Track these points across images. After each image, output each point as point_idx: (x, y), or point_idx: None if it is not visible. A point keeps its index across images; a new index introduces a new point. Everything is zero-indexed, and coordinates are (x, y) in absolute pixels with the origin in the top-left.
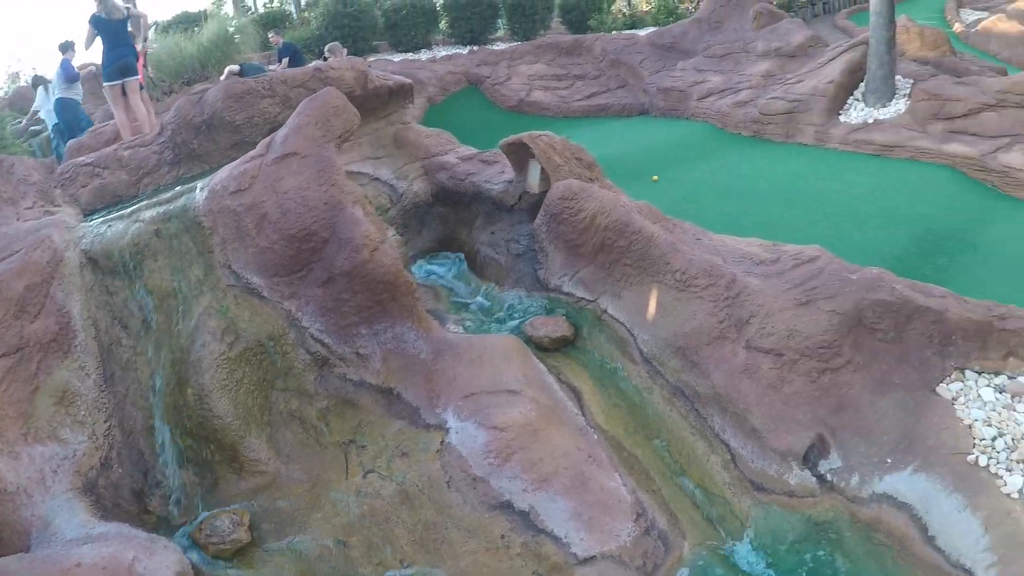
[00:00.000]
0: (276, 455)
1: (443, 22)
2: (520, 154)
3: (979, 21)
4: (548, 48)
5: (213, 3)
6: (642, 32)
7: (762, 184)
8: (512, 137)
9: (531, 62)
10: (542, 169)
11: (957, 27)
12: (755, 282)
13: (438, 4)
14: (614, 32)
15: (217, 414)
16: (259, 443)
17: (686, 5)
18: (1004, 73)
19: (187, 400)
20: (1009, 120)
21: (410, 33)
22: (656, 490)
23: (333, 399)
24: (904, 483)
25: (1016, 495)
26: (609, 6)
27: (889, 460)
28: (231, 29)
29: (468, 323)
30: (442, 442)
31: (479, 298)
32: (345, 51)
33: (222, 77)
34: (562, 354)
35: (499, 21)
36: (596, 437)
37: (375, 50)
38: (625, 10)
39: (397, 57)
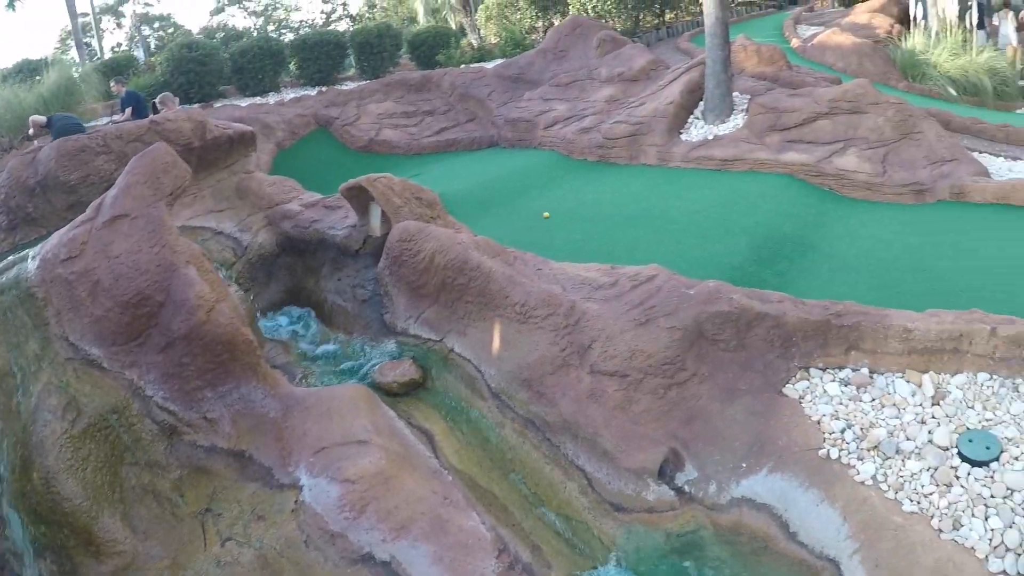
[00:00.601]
0: (132, 533)
1: (291, 64)
2: (361, 198)
3: (815, 35)
4: (397, 85)
5: (56, 48)
6: (490, 65)
7: (607, 208)
8: (351, 181)
9: (380, 100)
10: (383, 212)
11: (795, 42)
12: (594, 307)
13: (285, 46)
14: (463, 66)
15: (66, 496)
16: (113, 522)
17: (533, 36)
18: (838, 82)
19: (34, 484)
20: (842, 126)
21: (257, 76)
22: (516, 524)
23: (186, 468)
24: (761, 485)
25: (870, 481)
26: (457, 41)
27: (744, 464)
28: (76, 76)
29: (318, 375)
30: (297, 501)
31: (328, 348)
32: (177, 100)
33: (30, 131)
34: (412, 398)
35: (348, 60)
36: (451, 478)
37: (222, 95)
38: (475, 42)
39: (244, 102)
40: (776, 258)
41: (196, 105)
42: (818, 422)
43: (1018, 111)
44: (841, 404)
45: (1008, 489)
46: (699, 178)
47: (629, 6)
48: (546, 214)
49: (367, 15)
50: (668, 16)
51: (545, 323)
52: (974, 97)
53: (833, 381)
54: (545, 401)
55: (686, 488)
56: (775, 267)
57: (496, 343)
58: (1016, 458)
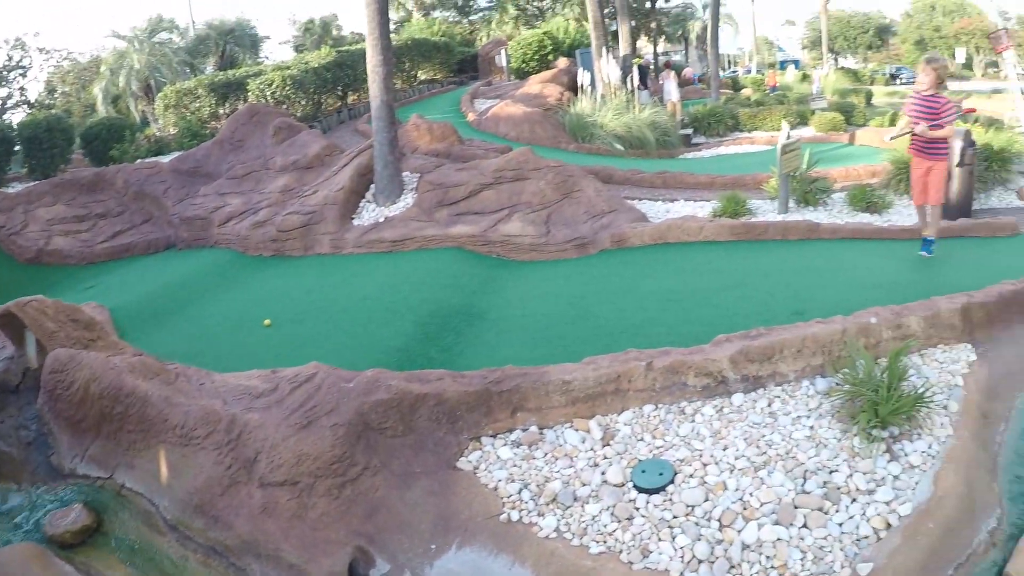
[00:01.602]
0: None
1: None
2: (15, 325)
3: (490, 108)
4: (68, 186)
5: None
6: (166, 158)
7: (278, 305)
8: (1, 307)
9: (50, 204)
10: (38, 340)
11: (471, 116)
12: (256, 417)
13: None
14: (138, 161)
15: None
16: None
17: (214, 124)
18: (509, 151)
19: None
20: (506, 194)
21: None
22: None
23: None
24: (454, 562)
25: (554, 534)
26: (134, 133)
27: (433, 546)
28: None
29: None
30: None
31: None
32: None
33: None
34: (89, 546)
35: (15, 158)
36: None
37: None
38: (157, 132)
39: None
40: (443, 332)
41: None
42: (495, 488)
43: (679, 157)
44: (515, 466)
45: (687, 507)
46: (371, 262)
47: (310, 90)
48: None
49: (47, 101)
50: (351, 98)
51: (207, 442)
52: (640, 150)
53: (505, 445)
54: (221, 525)
55: None
56: (442, 342)
57: (164, 471)
58: (690, 476)
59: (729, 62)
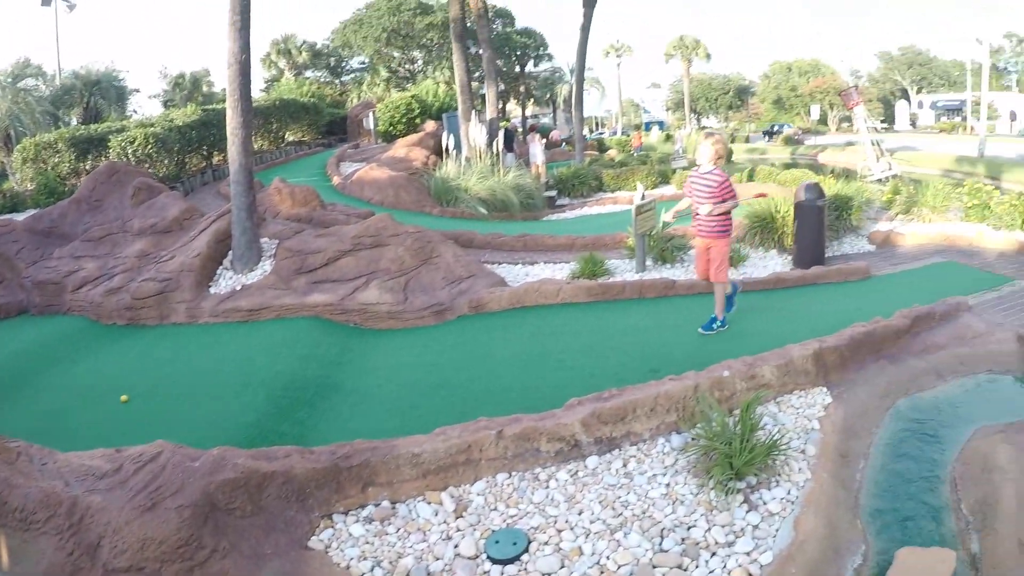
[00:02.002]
0: None
1: None
2: None
3: (355, 172)
4: None
5: None
6: (21, 216)
7: (130, 378)
8: None
9: None
10: None
11: (336, 180)
12: (98, 499)
13: None
14: None
15: None
16: None
17: (74, 181)
18: (372, 216)
19: None
20: (364, 261)
21: None
22: None
23: None
24: None
25: None
26: None
27: None
28: None
29: None
30: None
31: None
32: None
33: None
34: None
35: None
36: None
37: None
38: (14, 186)
39: None
40: (296, 406)
41: None
42: (347, 568)
43: (543, 219)
44: (367, 543)
45: (542, 574)
46: (226, 332)
47: (174, 149)
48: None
49: None
50: (216, 158)
51: (48, 527)
52: (504, 212)
53: (357, 522)
54: None
55: None
56: (294, 416)
57: (4, 558)
58: (545, 543)
59: (597, 124)
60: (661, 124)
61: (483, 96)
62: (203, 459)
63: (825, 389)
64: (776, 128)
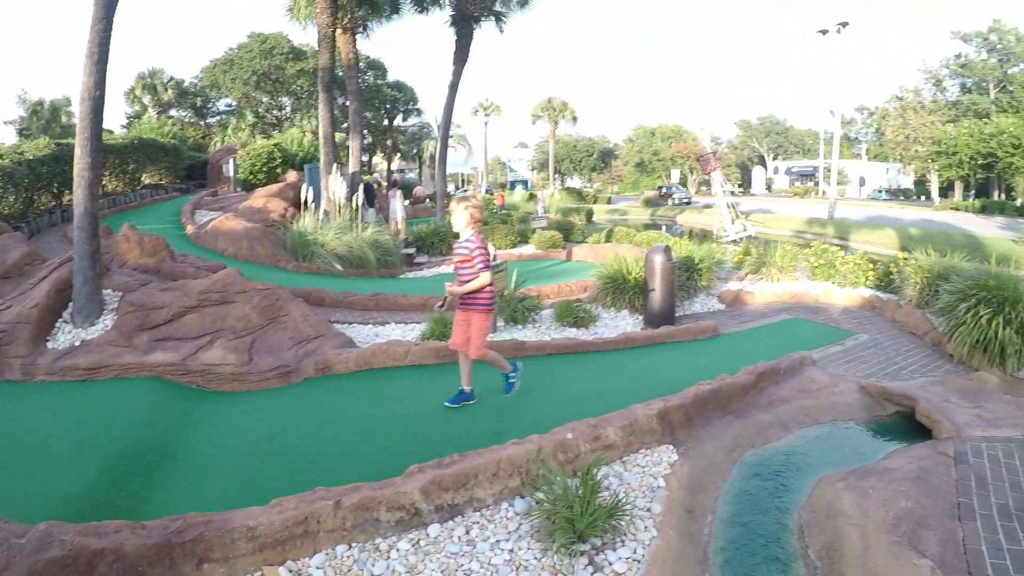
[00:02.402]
0: None
1: None
2: None
3: (211, 221)
4: None
5: None
6: None
7: None
8: None
9: None
10: None
11: (190, 228)
12: None
13: None
14: None
15: None
16: None
17: None
18: (224, 269)
19: None
20: (210, 318)
21: None
22: None
23: None
24: None
25: None
26: None
27: None
28: None
29: None
30: None
31: None
32: None
33: None
34: None
35: None
36: None
37: None
38: None
39: None
40: (131, 476)
41: None
42: None
43: (401, 276)
44: None
45: None
46: (62, 392)
47: (23, 184)
48: None
49: None
50: (67, 197)
51: None
52: (361, 269)
53: None
54: None
55: None
56: (129, 487)
57: None
58: None
59: (463, 181)
60: (526, 183)
61: (348, 148)
62: (29, 535)
63: (671, 447)
64: (665, 190)
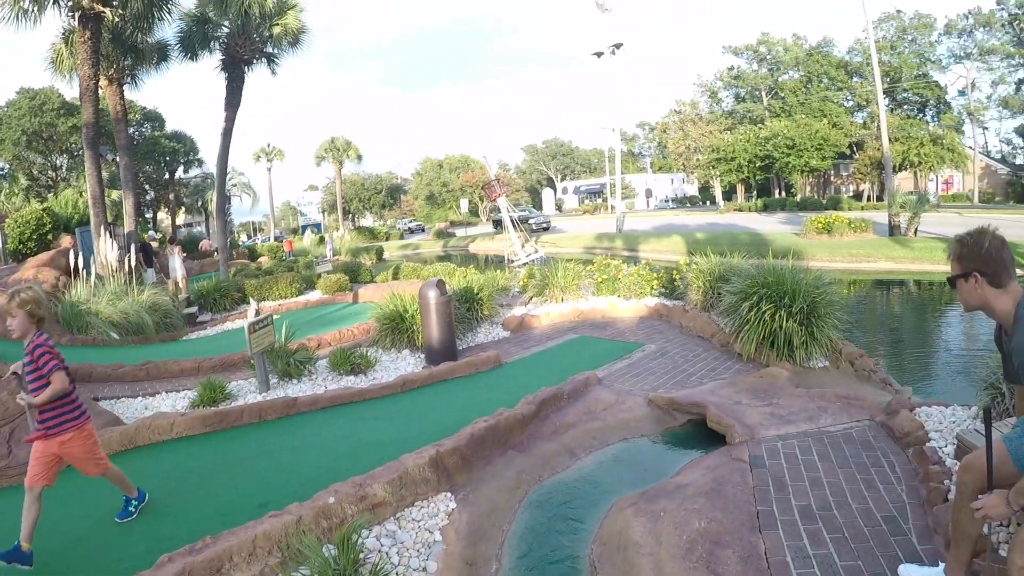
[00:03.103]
0: None
1: None
2: None
3: None
4: None
5: None
6: None
7: None
8: None
9: None
10: None
11: None
12: None
13: None
14: None
15: None
16: None
17: None
18: None
19: None
20: None
21: None
22: None
23: None
24: None
25: None
26: None
27: None
28: None
29: None
30: None
31: None
32: None
33: None
34: None
35: None
36: None
37: None
38: None
39: None
40: None
41: None
42: None
43: (183, 338)
44: None
45: None
46: None
47: None
48: None
49: None
50: None
51: None
52: (139, 335)
53: None
54: None
55: None
56: None
57: None
58: None
59: (255, 230)
60: (318, 226)
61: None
62: None
63: (449, 494)
64: (520, 214)
